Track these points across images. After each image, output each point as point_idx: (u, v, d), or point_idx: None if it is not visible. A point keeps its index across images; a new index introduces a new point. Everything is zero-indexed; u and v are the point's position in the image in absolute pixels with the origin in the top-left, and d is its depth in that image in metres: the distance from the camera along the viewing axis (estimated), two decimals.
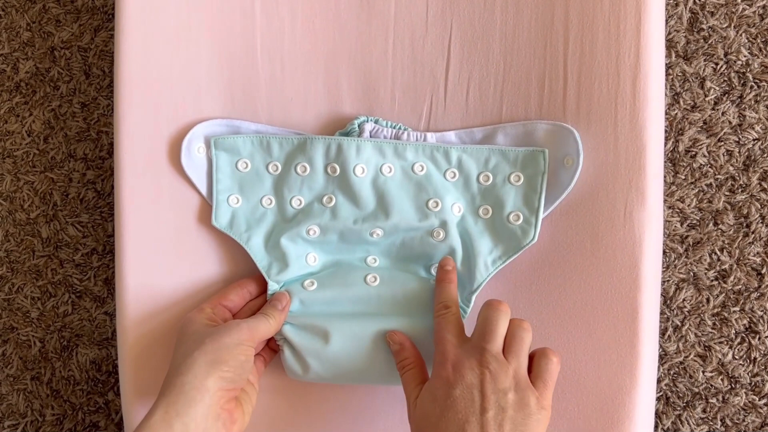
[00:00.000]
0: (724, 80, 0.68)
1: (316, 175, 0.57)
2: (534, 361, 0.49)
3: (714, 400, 0.67)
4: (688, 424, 0.67)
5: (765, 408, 0.66)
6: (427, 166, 0.57)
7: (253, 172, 0.58)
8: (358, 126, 0.58)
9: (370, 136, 0.57)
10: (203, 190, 0.58)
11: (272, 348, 0.57)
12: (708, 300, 0.67)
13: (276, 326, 0.53)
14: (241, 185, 0.58)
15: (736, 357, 0.67)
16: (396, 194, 0.57)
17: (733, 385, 0.67)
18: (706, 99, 0.68)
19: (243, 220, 0.57)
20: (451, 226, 0.56)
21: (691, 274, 0.67)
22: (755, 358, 0.66)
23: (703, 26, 0.69)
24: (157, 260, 0.58)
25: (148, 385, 0.57)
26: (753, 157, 0.67)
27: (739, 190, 0.67)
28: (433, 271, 0.57)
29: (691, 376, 0.67)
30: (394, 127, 0.58)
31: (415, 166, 0.57)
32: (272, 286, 0.56)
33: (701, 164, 0.68)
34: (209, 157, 0.58)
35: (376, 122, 0.58)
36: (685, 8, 0.69)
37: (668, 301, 0.67)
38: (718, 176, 0.68)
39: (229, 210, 0.57)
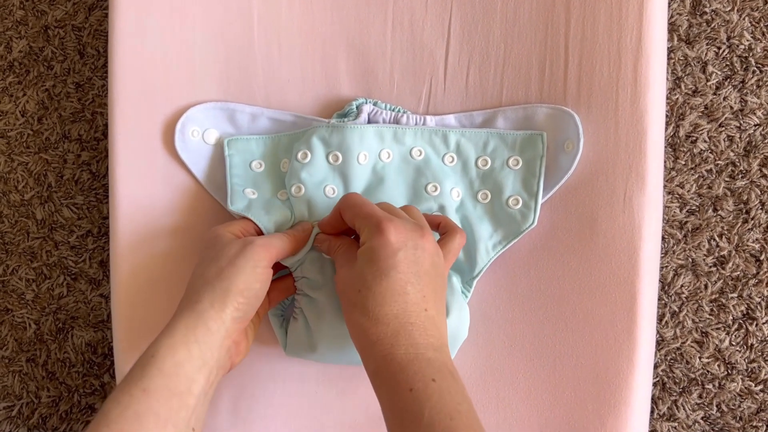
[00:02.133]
0: (727, 65, 0.67)
1: (316, 161, 0.56)
2: (444, 237, 0.52)
3: (710, 386, 0.67)
4: (684, 409, 0.67)
5: (761, 394, 0.66)
6: (425, 151, 0.57)
7: (267, 172, 0.57)
8: (356, 107, 0.57)
9: (369, 118, 0.57)
10: (197, 173, 0.58)
11: (288, 287, 0.56)
12: (706, 286, 0.67)
13: (293, 247, 0.52)
14: (255, 182, 0.57)
15: (733, 343, 0.67)
16: (394, 179, 0.56)
17: (729, 371, 0.67)
18: (708, 84, 0.67)
19: (261, 209, 0.56)
20: (450, 211, 0.56)
21: (690, 260, 0.67)
22: (752, 345, 0.66)
23: (706, 9, 0.68)
24: (152, 243, 0.57)
25: None
26: (754, 143, 0.67)
27: (740, 176, 0.67)
28: None
29: (687, 362, 0.67)
30: (393, 110, 0.57)
31: (413, 150, 0.57)
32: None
33: (702, 150, 0.67)
34: (207, 143, 0.58)
35: (374, 104, 0.57)
36: None
37: (666, 287, 0.67)
38: (719, 162, 0.67)
39: (245, 199, 0.57)
